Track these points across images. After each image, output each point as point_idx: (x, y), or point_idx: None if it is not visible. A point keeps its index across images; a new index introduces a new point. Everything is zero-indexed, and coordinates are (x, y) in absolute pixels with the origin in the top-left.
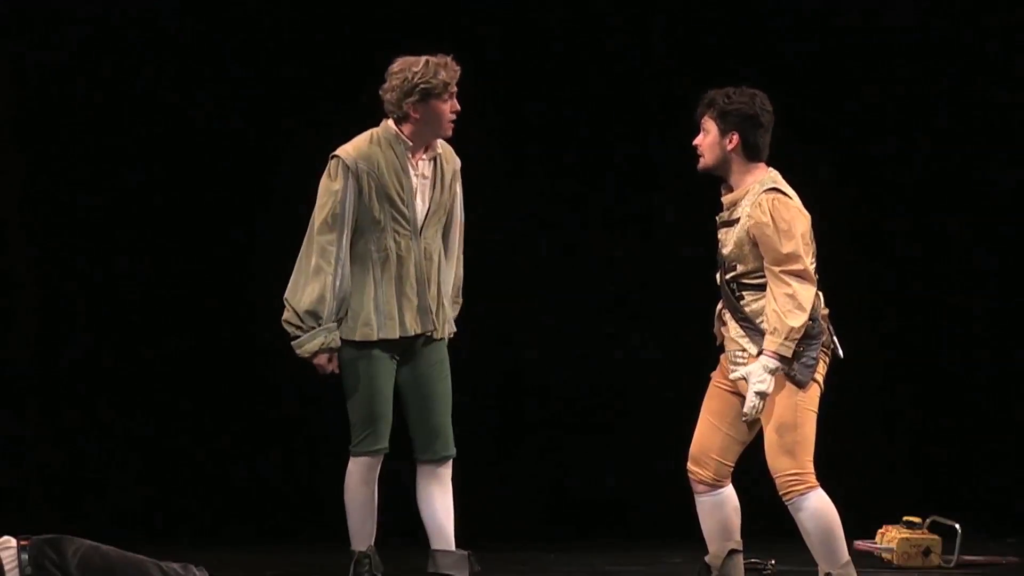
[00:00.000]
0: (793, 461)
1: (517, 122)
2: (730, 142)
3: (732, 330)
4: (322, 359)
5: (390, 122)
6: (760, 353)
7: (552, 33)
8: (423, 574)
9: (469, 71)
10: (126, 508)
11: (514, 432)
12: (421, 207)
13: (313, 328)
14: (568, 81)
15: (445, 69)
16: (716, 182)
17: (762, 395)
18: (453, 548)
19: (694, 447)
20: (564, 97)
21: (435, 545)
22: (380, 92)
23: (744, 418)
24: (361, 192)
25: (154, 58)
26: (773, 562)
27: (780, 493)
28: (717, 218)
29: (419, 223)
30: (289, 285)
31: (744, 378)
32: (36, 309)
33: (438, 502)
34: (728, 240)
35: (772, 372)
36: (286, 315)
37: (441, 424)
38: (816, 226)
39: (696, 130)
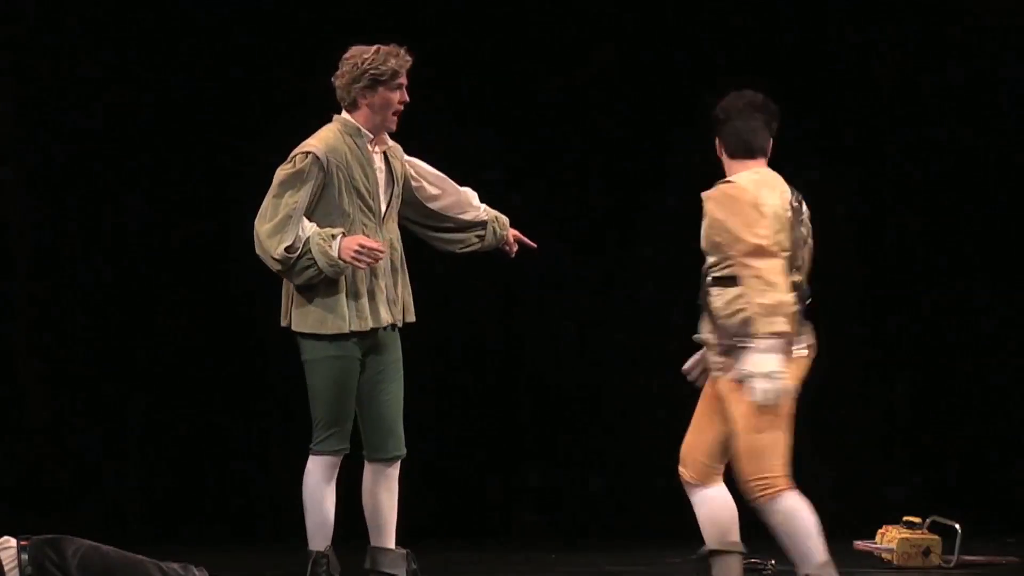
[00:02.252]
0: (759, 465)
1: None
2: (719, 148)
3: (705, 325)
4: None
5: (345, 114)
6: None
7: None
8: (382, 574)
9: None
10: (126, 507)
11: (512, 431)
12: (383, 198)
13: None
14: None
15: (396, 58)
16: None
17: (769, 376)
18: (393, 546)
19: (682, 447)
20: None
21: (376, 542)
22: (335, 81)
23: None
24: (331, 186)
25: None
26: (773, 562)
27: (748, 498)
28: None
29: (383, 214)
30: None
31: (745, 378)
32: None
33: (385, 500)
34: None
35: (771, 351)
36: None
37: (395, 423)
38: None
39: None
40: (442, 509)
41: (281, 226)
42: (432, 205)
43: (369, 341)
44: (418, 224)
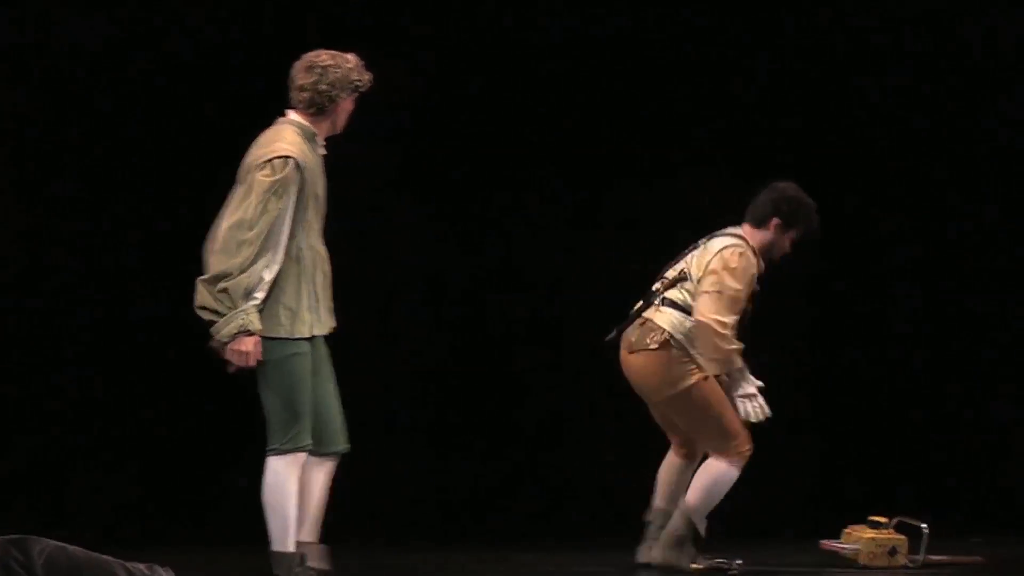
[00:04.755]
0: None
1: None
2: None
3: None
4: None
5: (299, 116)
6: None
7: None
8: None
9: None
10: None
11: (504, 431)
12: (325, 204)
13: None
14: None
15: (367, 69)
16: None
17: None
18: (318, 541)
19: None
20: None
21: (302, 537)
22: (306, 84)
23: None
24: (302, 192)
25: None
26: (740, 562)
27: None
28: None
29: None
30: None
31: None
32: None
33: (318, 494)
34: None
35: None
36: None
37: (342, 419)
38: None
39: None
40: (401, 509)
41: (266, 242)
42: None
43: (313, 344)
44: None
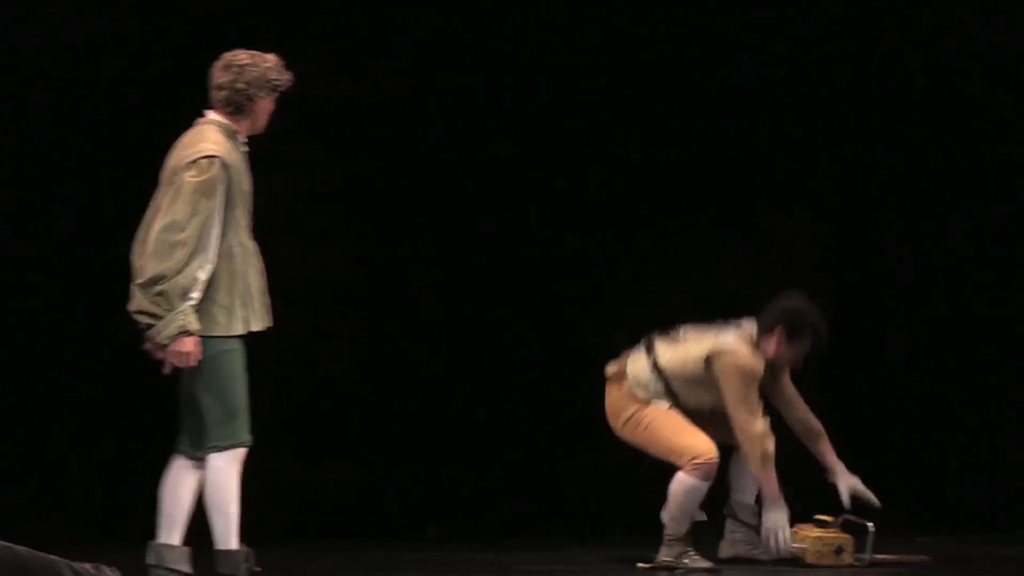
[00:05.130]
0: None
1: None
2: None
3: None
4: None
5: (219, 115)
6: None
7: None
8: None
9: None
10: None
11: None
12: (251, 200)
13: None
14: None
15: (287, 69)
16: None
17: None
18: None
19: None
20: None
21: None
22: (224, 83)
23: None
24: (230, 191)
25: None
26: (687, 561)
27: None
28: None
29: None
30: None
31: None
32: None
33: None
34: None
35: None
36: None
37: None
38: None
39: None
40: (354, 510)
41: (199, 242)
42: None
43: (238, 340)
44: None
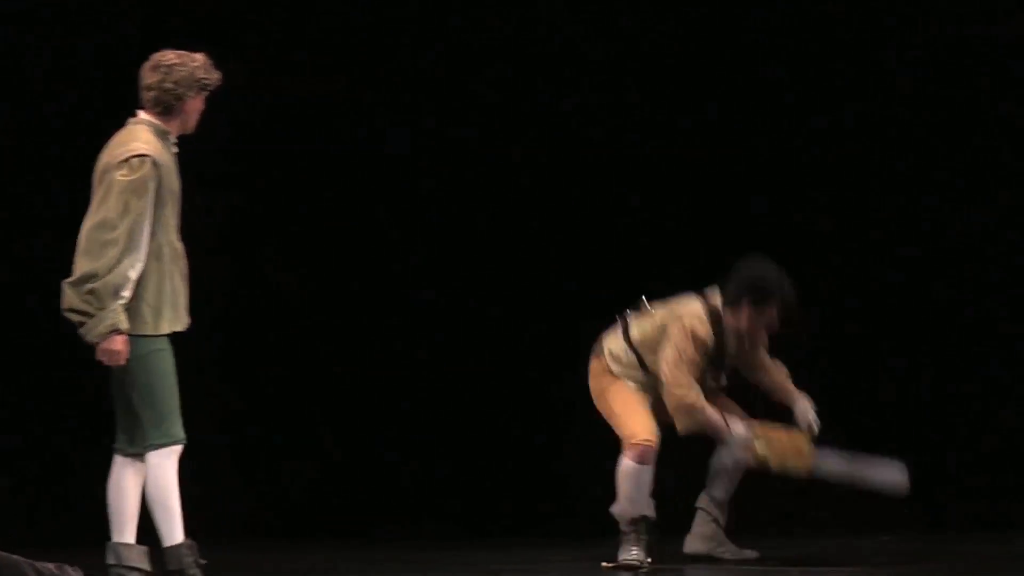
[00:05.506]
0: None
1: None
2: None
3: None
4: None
5: (149, 115)
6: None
7: None
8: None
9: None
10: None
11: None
12: (180, 200)
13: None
14: None
15: (215, 68)
16: None
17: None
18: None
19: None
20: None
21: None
22: (153, 83)
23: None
24: (160, 190)
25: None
26: (649, 560)
27: None
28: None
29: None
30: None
31: None
32: None
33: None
34: (731, 362)
35: None
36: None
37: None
38: None
39: None
40: (317, 507)
41: (129, 241)
42: None
43: (165, 339)
44: None
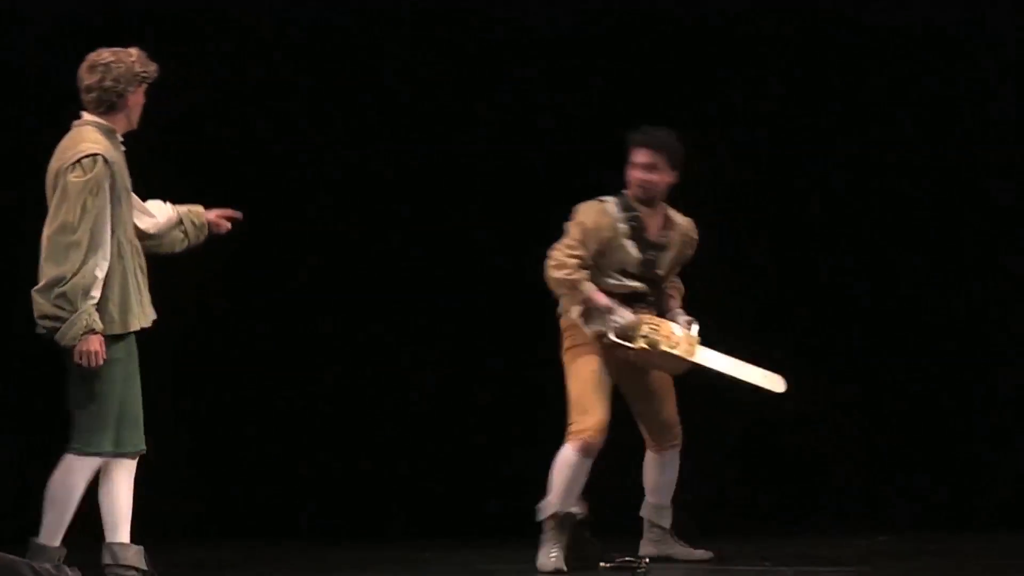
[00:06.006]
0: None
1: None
2: (673, 179)
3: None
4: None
5: (94, 115)
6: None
7: None
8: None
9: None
10: None
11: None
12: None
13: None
14: None
15: (150, 60)
16: None
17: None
18: (130, 541)
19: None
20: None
21: (115, 539)
22: (92, 84)
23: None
24: (114, 190)
25: None
26: (647, 560)
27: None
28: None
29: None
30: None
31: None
32: None
33: (126, 496)
34: (665, 259)
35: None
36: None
37: (140, 418)
38: None
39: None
40: (317, 507)
41: (92, 241)
42: (138, 225)
43: (132, 338)
44: None
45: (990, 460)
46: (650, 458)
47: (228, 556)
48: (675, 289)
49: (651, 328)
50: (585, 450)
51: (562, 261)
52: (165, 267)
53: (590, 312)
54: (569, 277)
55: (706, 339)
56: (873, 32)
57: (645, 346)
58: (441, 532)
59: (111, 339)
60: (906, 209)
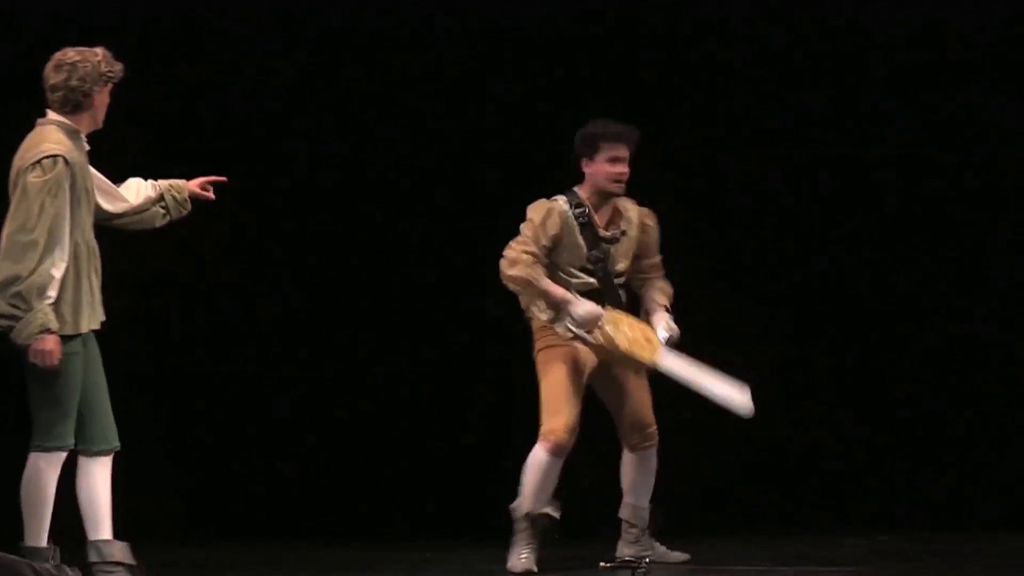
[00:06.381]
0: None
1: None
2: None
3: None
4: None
5: (59, 115)
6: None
7: None
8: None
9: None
10: None
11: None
12: (92, 204)
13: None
14: None
15: (116, 60)
16: None
17: None
18: (112, 538)
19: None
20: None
21: (98, 536)
22: (58, 83)
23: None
24: (74, 191)
25: None
26: (648, 560)
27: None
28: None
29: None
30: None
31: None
32: None
33: (104, 493)
34: (619, 253)
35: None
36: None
37: (110, 415)
38: None
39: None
40: (315, 507)
41: (50, 240)
42: (109, 209)
43: (85, 337)
44: (102, 221)
45: (990, 460)
46: (627, 458)
47: (228, 556)
48: (659, 290)
49: (612, 324)
50: (555, 451)
51: (515, 258)
52: (165, 267)
53: (558, 310)
54: (523, 273)
55: (688, 344)
56: (868, 32)
57: (602, 340)
58: (441, 532)
59: (65, 338)
60: (906, 208)
